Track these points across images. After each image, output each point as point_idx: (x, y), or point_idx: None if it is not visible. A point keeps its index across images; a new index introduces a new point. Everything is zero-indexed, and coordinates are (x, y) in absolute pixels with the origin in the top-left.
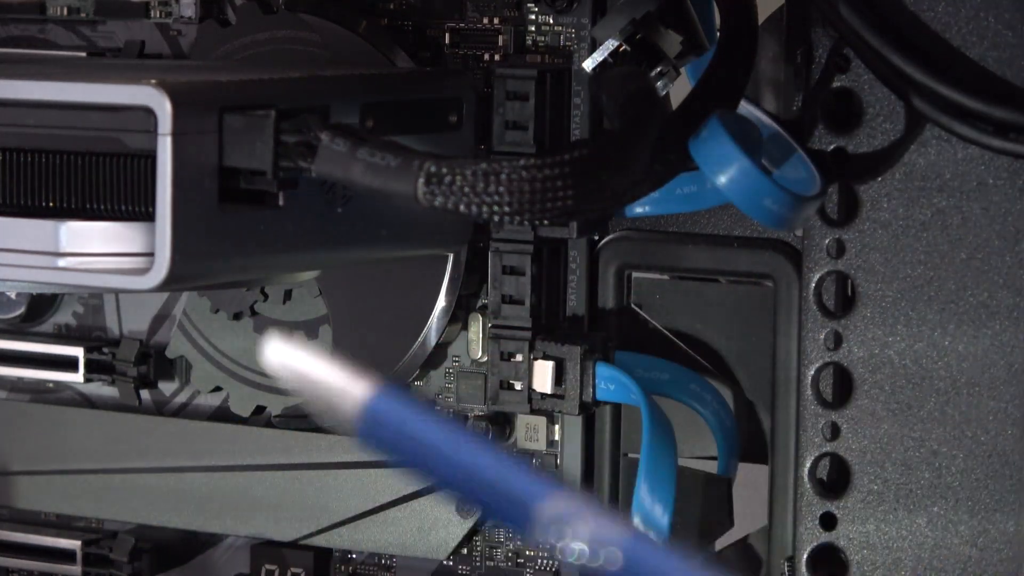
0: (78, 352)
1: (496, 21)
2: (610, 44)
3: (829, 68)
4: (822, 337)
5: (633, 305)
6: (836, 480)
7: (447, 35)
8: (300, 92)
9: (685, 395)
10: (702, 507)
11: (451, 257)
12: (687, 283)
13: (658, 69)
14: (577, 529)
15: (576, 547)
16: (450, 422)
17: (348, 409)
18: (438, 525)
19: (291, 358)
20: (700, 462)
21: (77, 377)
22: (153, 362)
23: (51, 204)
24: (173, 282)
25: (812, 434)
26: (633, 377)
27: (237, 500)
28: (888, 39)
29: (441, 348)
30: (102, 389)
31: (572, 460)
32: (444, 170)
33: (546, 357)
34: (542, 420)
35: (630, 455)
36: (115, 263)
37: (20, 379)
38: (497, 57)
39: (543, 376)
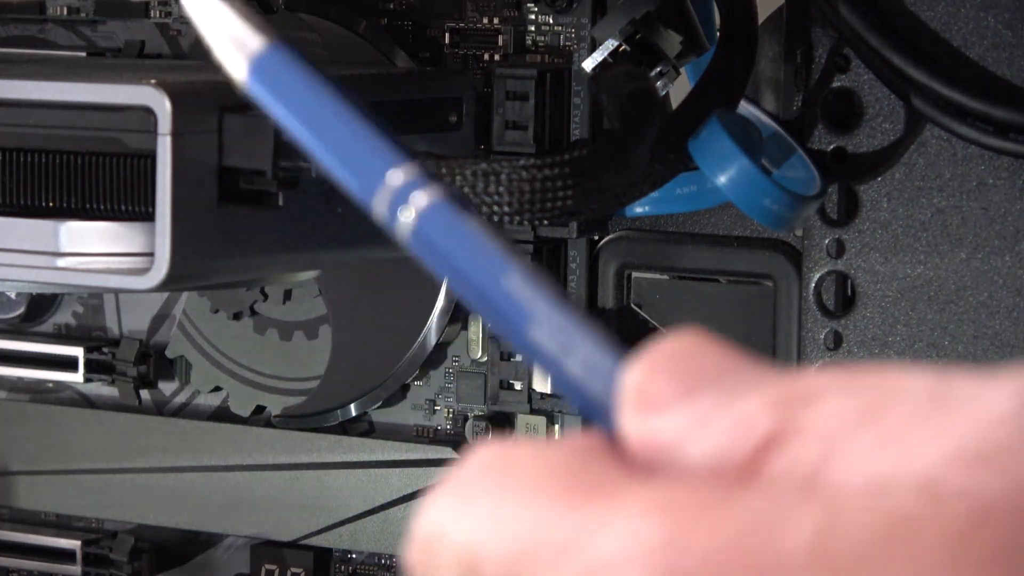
0: (78, 352)
1: (496, 21)
2: (610, 44)
3: (829, 68)
4: (822, 337)
5: (633, 305)
6: None
7: (447, 35)
8: None
9: None
10: None
11: None
12: (687, 283)
13: (658, 69)
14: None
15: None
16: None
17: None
18: None
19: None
20: None
21: (77, 377)
22: (153, 362)
23: (51, 204)
24: (173, 282)
25: None
26: None
27: (237, 500)
28: (888, 39)
29: (441, 348)
30: (102, 389)
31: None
32: (444, 170)
33: None
34: (542, 420)
35: None
36: (115, 263)
37: (20, 379)
38: (497, 57)
39: (543, 376)
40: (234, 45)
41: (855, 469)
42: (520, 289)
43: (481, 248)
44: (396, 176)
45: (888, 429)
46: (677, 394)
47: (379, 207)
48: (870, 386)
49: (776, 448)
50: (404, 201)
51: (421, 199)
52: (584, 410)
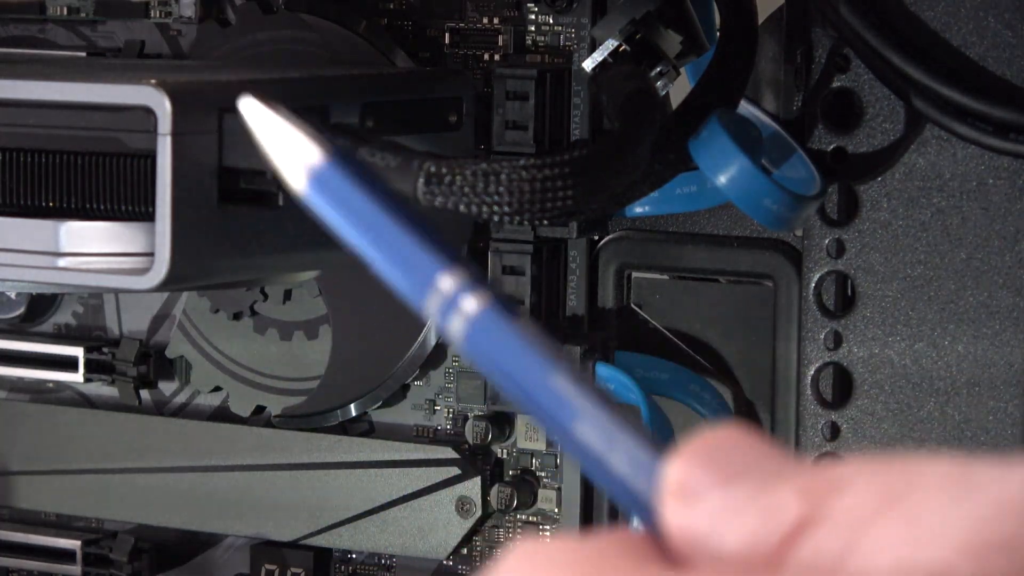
0: (78, 352)
1: (496, 21)
2: (610, 44)
3: (829, 68)
4: (822, 337)
5: (633, 305)
6: None
7: (447, 35)
8: (300, 92)
9: (685, 395)
10: None
11: None
12: (687, 283)
13: (658, 69)
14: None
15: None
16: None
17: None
18: (438, 525)
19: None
20: None
21: (77, 377)
22: (153, 362)
23: (51, 204)
24: (173, 282)
25: (812, 434)
26: (633, 377)
27: (237, 500)
28: (888, 39)
29: (441, 348)
30: (102, 389)
31: (572, 460)
32: (444, 170)
33: None
34: None
35: None
36: (115, 263)
37: (20, 379)
38: (497, 57)
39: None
40: (293, 157)
41: (877, 556)
42: (566, 389)
43: (528, 351)
44: (446, 282)
45: (909, 517)
46: (714, 483)
47: (431, 311)
48: (894, 475)
49: (804, 535)
50: (454, 306)
51: (470, 304)
52: (626, 504)
